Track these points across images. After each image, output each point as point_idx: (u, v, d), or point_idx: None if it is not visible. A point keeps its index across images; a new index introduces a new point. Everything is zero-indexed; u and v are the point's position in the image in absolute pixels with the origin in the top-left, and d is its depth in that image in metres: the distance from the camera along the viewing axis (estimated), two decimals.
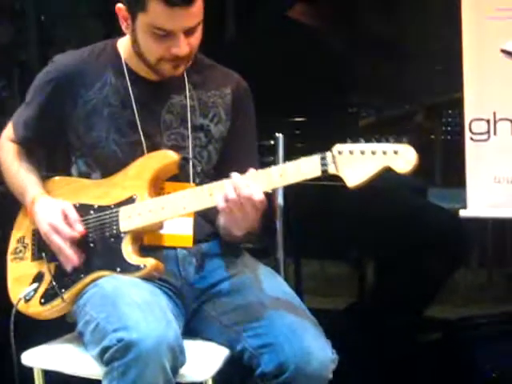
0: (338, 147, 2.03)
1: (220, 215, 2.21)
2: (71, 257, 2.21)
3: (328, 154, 2.03)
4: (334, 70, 3.12)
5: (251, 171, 2.11)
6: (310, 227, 2.98)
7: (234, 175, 2.10)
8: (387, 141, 2.00)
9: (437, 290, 3.18)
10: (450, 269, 3.18)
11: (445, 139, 3.76)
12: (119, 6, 2.23)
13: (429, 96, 3.70)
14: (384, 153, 2.00)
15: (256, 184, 2.08)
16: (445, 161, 3.91)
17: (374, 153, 2.00)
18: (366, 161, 2.00)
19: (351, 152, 2.01)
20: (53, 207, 2.26)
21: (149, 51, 2.22)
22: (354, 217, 3.02)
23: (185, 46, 2.19)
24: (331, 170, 2.03)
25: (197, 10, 2.17)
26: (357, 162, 2.01)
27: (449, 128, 3.67)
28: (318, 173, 2.05)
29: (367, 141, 2.02)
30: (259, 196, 2.08)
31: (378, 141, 2.01)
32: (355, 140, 2.02)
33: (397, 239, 3.03)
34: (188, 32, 2.18)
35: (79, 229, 2.23)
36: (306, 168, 2.06)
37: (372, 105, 3.44)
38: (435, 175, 3.98)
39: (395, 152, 1.99)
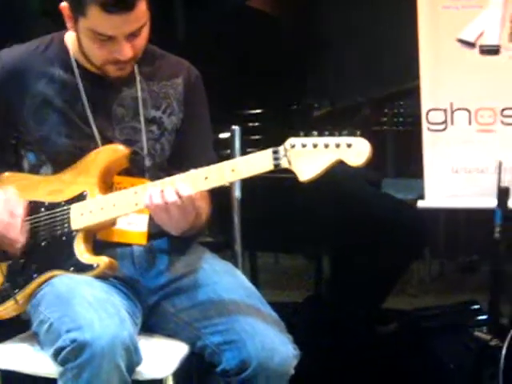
0: (290, 141, 2.00)
1: None
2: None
3: (280, 148, 2.01)
4: (292, 61, 3.10)
5: (192, 171, 2.06)
6: (265, 220, 2.95)
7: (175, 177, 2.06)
8: (340, 134, 1.97)
9: (393, 281, 3.18)
10: (405, 260, 3.18)
11: (397, 130, 3.75)
12: (63, 4, 2.17)
13: (380, 87, 3.70)
14: (337, 146, 1.97)
15: (182, 182, 2.04)
16: (397, 152, 3.91)
17: (326, 146, 1.98)
18: (319, 154, 1.98)
19: (304, 145, 1.99)
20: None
21: (92, 55, 2.18)
22: (309, 209, 3.00)
23: (128, 50, 2.14)
24: (284, 163, 2.01)
25: (138, 15, 2.12)
26: (310, 156, 1.98)
27: (401, 119, 3.67)
28: (270, 167, 2.02)
29: (321, 134, 1.99)
30: (185, 193, 2.04)
31: (332, 134, 1.98)
32: (308, 133, 1.99)
33: (353, 231, 3.02)
34: (131, 35, 2.14)
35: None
36: (258, 162, 2.03)
37: (327, 96, 3.42)
38: (388, 166, 3.98)
39: (348, 145, 1.96)
